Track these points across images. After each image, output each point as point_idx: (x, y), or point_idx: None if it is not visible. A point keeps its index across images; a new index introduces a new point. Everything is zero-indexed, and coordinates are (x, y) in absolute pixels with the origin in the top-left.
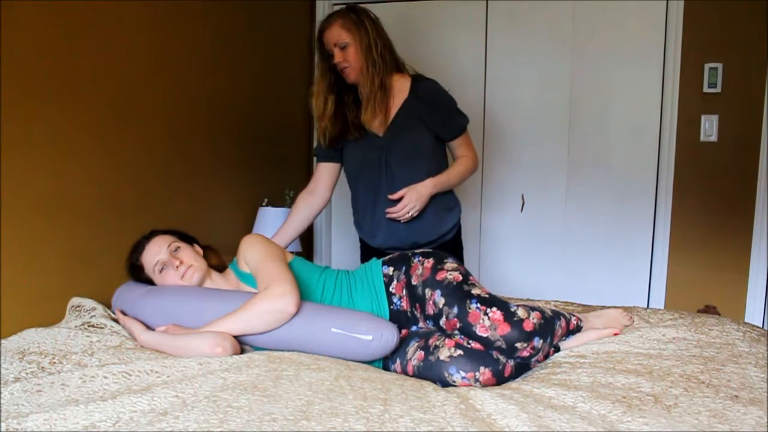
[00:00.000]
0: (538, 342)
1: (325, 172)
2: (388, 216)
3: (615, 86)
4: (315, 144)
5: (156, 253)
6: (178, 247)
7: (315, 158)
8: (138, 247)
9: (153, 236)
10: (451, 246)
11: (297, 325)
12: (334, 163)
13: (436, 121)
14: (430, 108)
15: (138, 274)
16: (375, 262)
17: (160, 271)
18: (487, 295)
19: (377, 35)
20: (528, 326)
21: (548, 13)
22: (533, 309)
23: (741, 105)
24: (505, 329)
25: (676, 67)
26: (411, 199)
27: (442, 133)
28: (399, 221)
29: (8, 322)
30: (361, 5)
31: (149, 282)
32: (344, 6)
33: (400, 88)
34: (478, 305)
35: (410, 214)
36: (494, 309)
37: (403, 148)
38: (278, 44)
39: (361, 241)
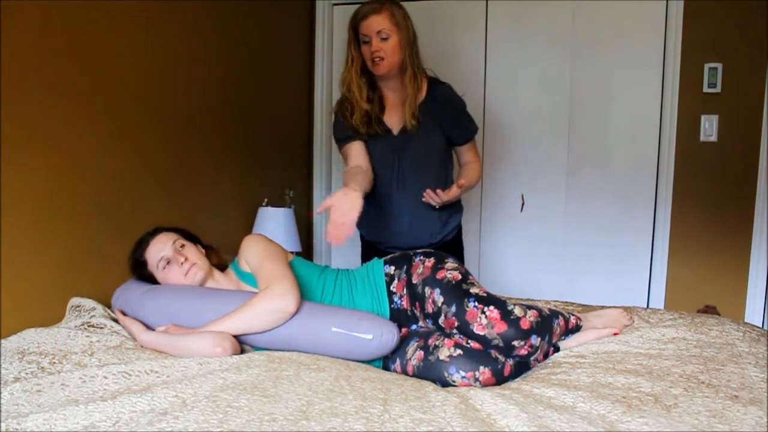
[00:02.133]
0: (535, 340)
1: (362, 150)
2: (424, 199)
3: (615, 86)
4: (336, 129)
5: (160, 249)
6: (183, 245)
7: (340, 141)
8: (142, 243)
9: (157, 233)
10: (452, 246)
11: (297, 325)
12: (364, 141)
13: (451, 124)
14: (445, 110)
15: (141, 271)
16: (377, 262)
17: (164, 267)
18: (485, 294)
19: (415, 34)
20: (525, 324)
21: (548, 13)
22: (530, 307)
23: (741, 105)
24: (501, 327)
25: (676, 67)
26: (451, 197)
27: (455, 136)
28: (411, 222)
29: (8, 322)
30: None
31: (151, 279)
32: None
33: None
34: (476, 304)
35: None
36: (491, 307)
37: (417, 148)
38: (278, 44)
39: (362, 239)
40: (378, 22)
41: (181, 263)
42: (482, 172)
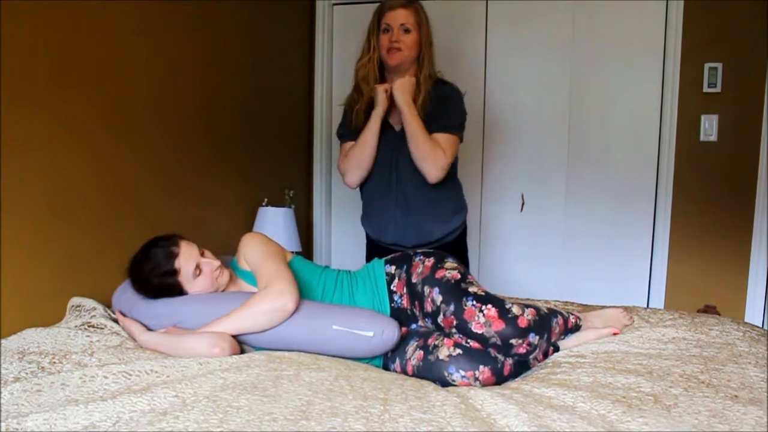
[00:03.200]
0: (533, 338)
1: None
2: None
3: (615, 86)
4: (342, 123)
5: (192, 256)
6: (203, 251)
7: (342, 137)
8: (168, 255)
9: (179, 240)
10: (455, 247)
11: (298, 323)
12: None
13: (434, 113)
14: (438, 104)
15: (170, 282)
16: (378, 262)
17: (198, 275)
18: (483, 293)
19: (432, 39)
20: (522, 323)
21: (548, 13)
22: (529, 306)
23: (741, 105)
24: (499, 326)
25: (676, 67)
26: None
27: (429, 123)
28: (407, 220)
29: (8, 322)
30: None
31: (174, 292)
32: None
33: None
34: (474, 302)
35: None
36: (489, 306)
37: None
38: (278, 44)
39: (368, 238)
40: (404, 15)
41: (215, 269)
42: (444, 162)
